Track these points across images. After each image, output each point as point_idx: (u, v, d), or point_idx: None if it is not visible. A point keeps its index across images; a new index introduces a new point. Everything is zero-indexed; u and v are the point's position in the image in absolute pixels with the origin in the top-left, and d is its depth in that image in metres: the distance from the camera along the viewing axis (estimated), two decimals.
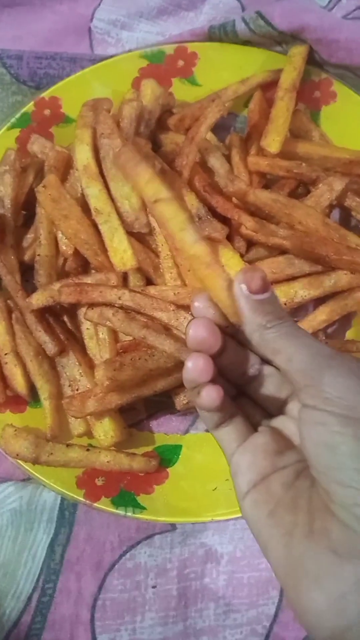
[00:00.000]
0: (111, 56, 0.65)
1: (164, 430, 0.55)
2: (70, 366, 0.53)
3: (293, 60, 0.59)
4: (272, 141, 0.55)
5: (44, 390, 0.52)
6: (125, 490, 0.51)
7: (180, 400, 0.52)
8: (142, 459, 0.51)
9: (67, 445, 0.51)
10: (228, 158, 0.58)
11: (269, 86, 0.61)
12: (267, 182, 0.59)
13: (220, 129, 0.60)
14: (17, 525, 0.52)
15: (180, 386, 0.52)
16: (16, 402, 0.54)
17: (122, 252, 0.51)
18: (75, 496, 0.51)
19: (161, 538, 0.52)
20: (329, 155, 0.56)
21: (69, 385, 0.53)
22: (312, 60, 0.61)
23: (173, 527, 0.52)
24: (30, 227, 0.57)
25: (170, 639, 0.49)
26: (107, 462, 0.50)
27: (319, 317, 0.53)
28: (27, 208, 0.58)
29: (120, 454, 0.51)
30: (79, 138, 0.54)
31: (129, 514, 0.50)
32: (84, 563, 0.51)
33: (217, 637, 0.49)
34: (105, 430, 0.51)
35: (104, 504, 0.51)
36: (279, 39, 0.61)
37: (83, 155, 0.54)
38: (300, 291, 0.52)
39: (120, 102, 0.59)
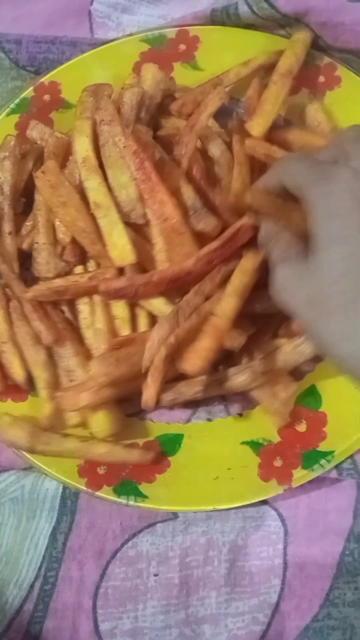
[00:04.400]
0: (112, 40, 0.64)
1: (166, 419, 0.54)
2: (67, 356, 0.52)
3: (294, 46, 0.58)
4: (256, 125, 0.54)
5: (41, 380, 0.52)
6: (127, 479, 0.51)
7: (167, 397, 0.51)
8: (138, 452, 0.50)
9: (63, 436, 0.50)
10: (229, 144, 0.57)
11: (269, 70, 0.60)
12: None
13: (222, 114, 0.59)
14: (19, 514, 0.52)
15: (167, 382, 0.51)
16: (18, 391, 0.54)
17: (121, 246, 0.50)
18: (77, 485, 0.51)
19: (163, 526, 0.52)
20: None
21: (66, 376, 0.52)
22: (317, 45, 0.60)
23: (175, 515, 0.52)
24: (29, 214, 0.56)
25: (172, 627, 0.49)
26: (103, 453, 0.50)
27: None
28: (26, 195, 0.57)
29: (117, 445, 0.50)
30: (78, 129, 0.53)
31: (131, 502, 0.50)
32: (86, 551, 0.51)
33: (218, 625, 0.49)
34: (100, 422, 0.50)
35: (105, 493, 0.51)
36: (282, 22, 0.60)
37: (82, 147, 0.52)
38: None
39: (121, 87, 0.58)
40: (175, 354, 0.47)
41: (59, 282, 0.52)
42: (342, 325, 0.37)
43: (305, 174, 0.40)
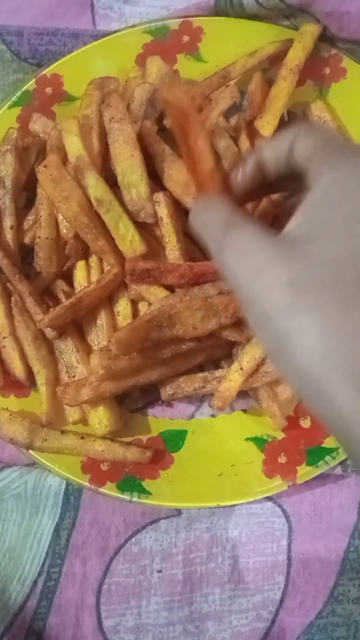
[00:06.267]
0: (114, 32, 0.63)
1: (169, 415, 0.54)
2: (68, 352, 0.52)
3: (303, 39, 0.57)
4: (267, 124, 0.54)
5: (41, 376, 0.52)
6: (130, 475, 0.51)
7: (166, 391, 0.51)
8: (136, 450, 0.50)
9: (62, 432, 0.50)
10: (234, 139, 0.56)
11: (273, 62, 0.59)
12: None
13: None
14: (22, 510, 0.52)
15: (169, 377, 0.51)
16: (21, 386, 0.54)
17: (130, 238, 0.50)
18: (80, 481, 0.51)
19: (167, 523, 0.52)
20: None
21: (66, 372, 0.52)
22: (322, 36, 0.59)
23: (178, 511, 0.52)
24: (31, 208, 0.56)
25: (175, 623, 0.49)
26: (101, 451, 0.50)
27: None
28: (28, 189, 0.57)
29: (115, 443, 0.50)
30: (66, 129, 0.52)
31: (135, 499, 0.50)
32: (90, 547, 0.51)
33: (222, 622, 0.49)
34: (100, 418, 0.50)
35: (109, 489, 0.50)
36: (287, 13, 0.59)
37: (74, 147, 0.51)
38: None
39: (125, 79, 0.57)
40: (168, 322, 0.47)
41: (70, 300, 0.50)
42: None
43: (321, 144, 0.35)
